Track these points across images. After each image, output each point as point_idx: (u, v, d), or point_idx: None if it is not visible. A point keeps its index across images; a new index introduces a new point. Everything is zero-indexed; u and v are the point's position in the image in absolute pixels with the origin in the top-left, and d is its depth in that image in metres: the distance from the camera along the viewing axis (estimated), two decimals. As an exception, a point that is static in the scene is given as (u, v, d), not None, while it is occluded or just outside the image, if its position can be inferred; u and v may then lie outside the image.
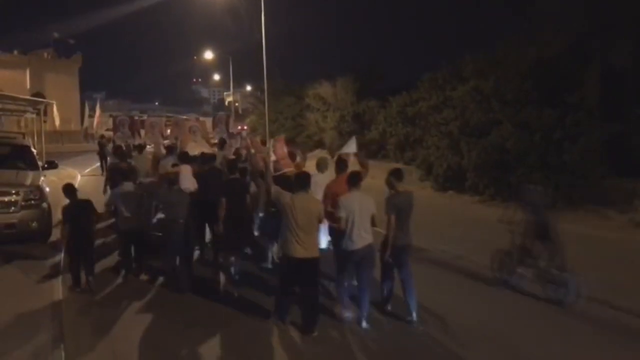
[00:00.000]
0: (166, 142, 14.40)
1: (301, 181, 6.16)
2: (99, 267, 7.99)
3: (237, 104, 60.19)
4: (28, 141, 13.36)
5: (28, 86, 44.19)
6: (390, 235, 6.24)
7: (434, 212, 14.03)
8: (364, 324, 6.13)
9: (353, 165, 7.63)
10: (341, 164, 7.55)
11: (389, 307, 6.67)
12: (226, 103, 72.34)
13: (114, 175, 9.99)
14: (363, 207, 6.23)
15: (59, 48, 51.66)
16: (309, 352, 5.61)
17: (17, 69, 45.36)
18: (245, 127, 38.15)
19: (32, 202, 9.71)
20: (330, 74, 30.80)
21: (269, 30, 27.44)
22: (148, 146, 15.17)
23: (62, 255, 8.77)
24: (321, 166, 8.60)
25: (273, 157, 9.43)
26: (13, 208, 9.50)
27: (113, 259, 8.70)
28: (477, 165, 15.42)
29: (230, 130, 16.89)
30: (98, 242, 8.73)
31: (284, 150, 9.97)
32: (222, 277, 7.69)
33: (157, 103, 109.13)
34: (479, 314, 6.65)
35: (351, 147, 8.69)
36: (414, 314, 6.24)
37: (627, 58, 13.12)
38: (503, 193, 14.62)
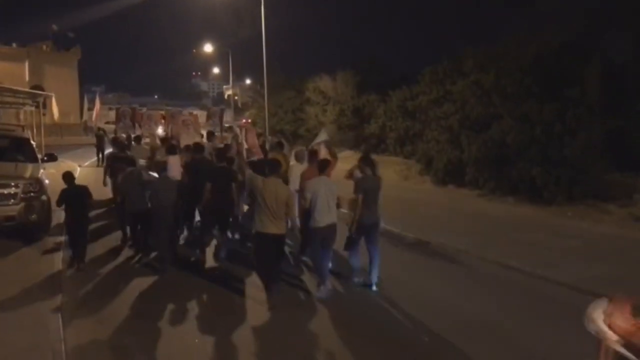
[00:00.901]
0: (160, 131, 15.82)
1: (272, 167, 6.98)
2: (102, 246, 9.27)
3: (236, 98, 60.06)
4: (27, 134, 13.31)
5: (27, 79, 44.04)
6: (357, 213, 7.04)
7: (433, 206, 14.05)
8: (325, 291, 6.92)
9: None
10: (312, 155, 8.79)
11: (355, 279, 7.43)
12: (226, 96, 72.16)
13: (115, 164, 10.58)
14: (328, 191, 6.99)
15: (58, 41, 51.50)
16: (278, 317, 6.35)
17: (16, 61, 45.20)
18: (249, 120, 38.19)
19: (32, 194, 9.68)
20: (330, 68, 30.80)
21: (268, 23, 27.39)
22: (146, 138, 15.62)
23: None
24: (299, 157, 9.60)
25: (245, 146, 11.45)
26: (12, 200, 9.47)
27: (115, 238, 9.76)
28: (477, 160, 15.41)
29: (227, 124, 17.72)
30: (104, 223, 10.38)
31: (254, 140, 11.82)
32: (221, 252, 8.74)
33: (156, 96, 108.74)
34: (480, 306, 6.66)
35: (322, 137, 10.03)
36: (374, 284, 7.19)
37: (627, 54, 13.12)
38: (503, 187, 14.63)
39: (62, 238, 9.55)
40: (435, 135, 18.24)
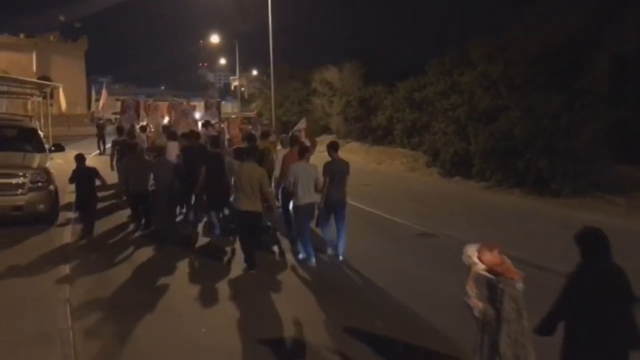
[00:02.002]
0: (165, 122, 17.40)
1: (249, 152, 8.10)
2: (110, 222, 10.50)
3: (243, 89, 60.01)
4: (35, 124, 13.38)
5: (34, 69, 44.15)
6: (323, 192, 8.00)
7: (440, 198, 14.02)
8: (311, 260, 7.95)
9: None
10: (294, 141, 9.67)
11: (330, 251, 8.39)
12: (232, 88, 72.07)
13: (121, 149, 11.80)
14: (307, 174, 7.94)
15: (65, 31, 51.58)
16: (258, 277, 7.57)
17: (24, 52, 45.30)
18: (255, 112, 38.22)
19: (40, 184, 9.76)
20: (337, 59, 30.68)
21: (275, 14, 27.32)
22: (151, 128, 17.26)
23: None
24: (284, 143, 10.35)
25: (227, 136, 13.38)
26: (20, 190, 9.56)
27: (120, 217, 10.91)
28: (484, 151, 15.35)
29: (233, 116, 20.71)
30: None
31: (236, 130, 14.27)
32: (215, 230, 9.74)
33: (162, 87, 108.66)
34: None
35: (301, 125, 12.61)
36: (340, 255, 8.16)
37: (636, 43, 12.98)
38: (510, 179, 14.58)
39: (72, 214, 10.67)
40: (442, 126, 18.17)
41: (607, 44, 13.36)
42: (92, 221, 9.55)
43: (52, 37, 49.63)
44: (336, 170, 8.09)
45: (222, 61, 76.22)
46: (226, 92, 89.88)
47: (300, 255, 8.15)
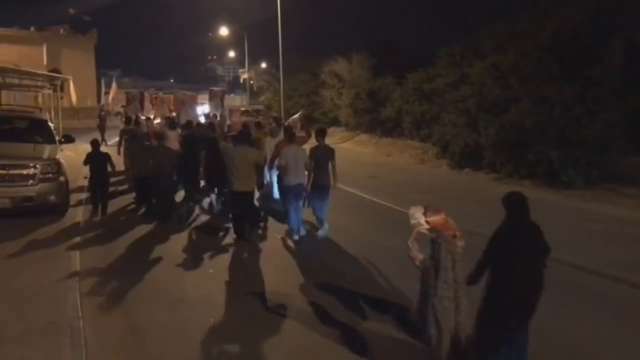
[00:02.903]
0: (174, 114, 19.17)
1: (242, 138, 9.20)
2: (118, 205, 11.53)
3: (252, 82, 59.95)
4: (45, 115, 13.43)
5: (45, 62, 44.30)
6: (310, 175, 8.82)
7: (450, 190, 13.93)
8: (302, 233, 8.90)
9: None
10: (288, 130, 10.47)
11: (320, 232, 9.08)
12: (241, 80, 71.96)
13: (129, 138, 12.70)
14: (297, 157, 8.77)
15: (75, 25, 51.64)
16: (252, 250, 8.58)
17: (34, 45, 45.39)
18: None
19: (50, 175, 9.80)
20: (346, 50, 30.53)
21: (284, 5, 27.24)
22: (157, 120, 18.68)
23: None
24: (272, 133, 11.46)
25: (228, 122, 16.23)
26: (31, 181, 9.61)
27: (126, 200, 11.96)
28: (494, 143, 15.22)
29: (242, 109, 23.09)
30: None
31: (237, 119, 17.02)
32: (210, 202, 11.25)
33: (172, 80, 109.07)
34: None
35: (296, 116, 14.44)
36: (320, 230, 9.02)
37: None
38: (520, 171, 14.47)
39: (84, 195, 11.71)
40: (452, 118, 18.03)
41: (620, 31, 13.16)
42: (105, 201, 10.52)
43: (62, 31, 49.66)
44: (321, 155, 8.87)
45: (231, 54, 76.15)
46: (235, 85, 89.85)
47: (295, 237, 8.86)
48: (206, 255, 8.16)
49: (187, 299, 6.37)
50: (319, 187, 8.85)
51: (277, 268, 7.69)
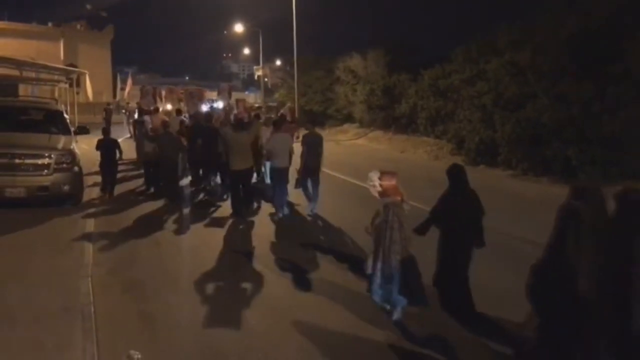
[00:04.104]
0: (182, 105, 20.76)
1: (240, 125, 10.45)
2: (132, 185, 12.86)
3: (266, 80, 60.02)
4: (61, 106, 13.51)
5: (62, 58, 44.75)
6: (302, 159, 9.76)
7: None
8: (285, 212, 9.92)
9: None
10: (280, 119, 11.73)
11: (311, 210, 9.99)
12: (255, 77, 72.09)
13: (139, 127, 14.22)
14: (283, 143, 9.81)
15: (92, 20, 52.10)
16: (246, 226, 9.47)
17: (52, 40, 45.91)
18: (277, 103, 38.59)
19: (64, 165, 9.84)
20: (361, 47, 30.39)
21: (299, 2, 27.19)
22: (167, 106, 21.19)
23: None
24: (266, 123, 12.45)
25: (235, 111, 17.30)
26: (46, 171, 9.65)
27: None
28: (510, 139, 15.06)
29: (257, 105, 24.76)
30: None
31: (243, 109, 18.51)
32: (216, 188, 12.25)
33: (187, 77, 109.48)
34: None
35: (285, 108, 17.91)
36: (315, 209, 9.97)
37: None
38: (536, 168, 14.28)
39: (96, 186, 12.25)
40: (468, 114, 17.87)
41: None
42: (113, 182, 11.59)
43: (79, 26, 50.20)
44: (311, 142, 9.84)
45: (246, 51, 76.30)
46: (250, 82, 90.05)
47: (280, 214, 9.83)
48: (209, 235, 8.81)
49: (199, 287, 6.34)
50: (309, 170, 9.80)
51: (266, 239, 8.59)
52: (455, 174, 5.38)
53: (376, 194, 5.27)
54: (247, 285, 6.49)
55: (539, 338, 3.81)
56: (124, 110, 28.38)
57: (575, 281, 3.47)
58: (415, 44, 30.63)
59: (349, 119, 31.41)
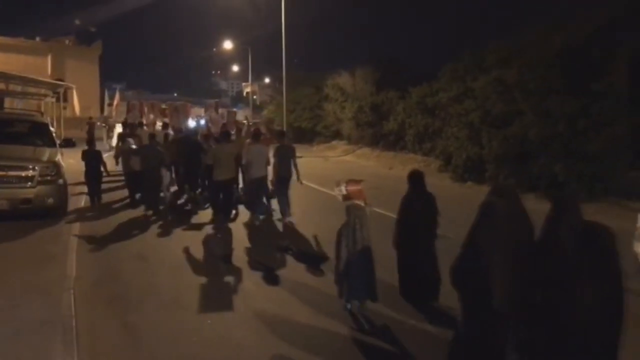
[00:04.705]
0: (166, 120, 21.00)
1: (223, 137, 10.93)
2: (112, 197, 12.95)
3: (255, 97, 60.17)
4: (46, 119, 13.39)
5: (49, 72, 44.53)
6: (274, 170, 10.39)
7: (452, 202, 13.74)
8: (259, 221, 10.44)
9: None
10: (255, 131, 11.69)
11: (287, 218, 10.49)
12: (244, 94, 72.36)
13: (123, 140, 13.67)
14: (259, 154, 10.34)
15: (80, 35, 51.97)
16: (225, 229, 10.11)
17: (39, 55, 45.71)
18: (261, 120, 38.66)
19: (49, 177, 9.72)
20: (349, 64, 30.60)
21: (288, 19, 27.38)
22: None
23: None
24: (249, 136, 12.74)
25: (224, 121, 18.54)
26: (30, 183, 9.52)
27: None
28: (497, 156, 15.14)
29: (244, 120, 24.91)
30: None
31: (235, 120, 19.66)
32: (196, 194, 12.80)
33: (175, 94, 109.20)
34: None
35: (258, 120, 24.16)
36: (287, 216, 10.41)
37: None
38: (523, 184, 14.34)
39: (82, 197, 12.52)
40: (455, 131, 17.97)
41: (626, 47, 13.11)
42: (99, 191, 12.05)
43: (67, 41, 50.05)
44: (283, 153, 10.40)
45: (235, 68, 76.65)
46: (239, 99, 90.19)
47: (256, 222, 10.39)
48: (192, 243, 8.93)
49: (182, 300, 6.23)
50: (282, 178, 10.38)
51: (242, 244, 9.11)
52: (416, 178, 6.07)
53: (340, 198, 5.84)
54: (230, 296, 6.40)
55: (465, 323, 4.03)
56: (103, 125, 28.20)
57: (486, 270, 3.66)
58: (403, 61, 30.78)
59: (337, 135, 31.51)
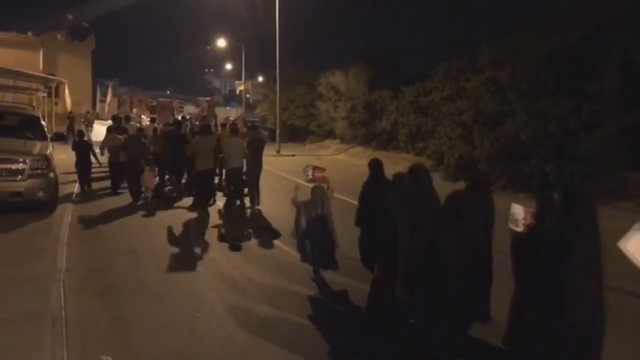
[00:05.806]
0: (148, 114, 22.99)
1: (204, 130, 12.04)
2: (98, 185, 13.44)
3: (248, 96, 60.03)
4: (37, 112, 13.30)
5: (41, 67, 44.14)
6: (247, 162, 11.17)
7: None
8: (234, 206, 11.07)
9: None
10: (232, 127, 12.19)
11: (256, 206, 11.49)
12: (237, 92, 72.15)
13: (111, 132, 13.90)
14: (236, 147, 10.96)
15: (73, 31, 51.54)
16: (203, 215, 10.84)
17: (31, 50, 45.14)
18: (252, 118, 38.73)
19: (39, 171, 9.64)
20: (343, 63, 30.60)
21: (282, 17, 27.33)
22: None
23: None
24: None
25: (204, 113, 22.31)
26: (20, 176, 9.45)
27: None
28: (489, 155, 15.19)
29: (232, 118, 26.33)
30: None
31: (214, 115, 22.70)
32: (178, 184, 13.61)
33: (168, 92, 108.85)
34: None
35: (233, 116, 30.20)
36: (257, 205, 11.47)
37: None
38: (515, 184, 14.41)
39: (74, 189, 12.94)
40: (448, 131, 18.02)
41: (618, 49, 13.22)
42: (89, 179, 12.92)
43: (59, 36, 49.58)
44: (255, 146, 11.39)
45: (228, 66, 76.52)
46: (231, 98, 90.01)
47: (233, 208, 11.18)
48: (178, 226, 9.71)
49: (173, 293, 6.20)
50: (253, 170, 11.40)
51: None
52: (375, 166, 6.37)
53: (306, 182, 6.83)
54: (221, 289, 6.37)
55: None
56: (82, 120, 27.92)
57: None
58: (396, 61, 30.81)
59: (330, 134, 31.49)
